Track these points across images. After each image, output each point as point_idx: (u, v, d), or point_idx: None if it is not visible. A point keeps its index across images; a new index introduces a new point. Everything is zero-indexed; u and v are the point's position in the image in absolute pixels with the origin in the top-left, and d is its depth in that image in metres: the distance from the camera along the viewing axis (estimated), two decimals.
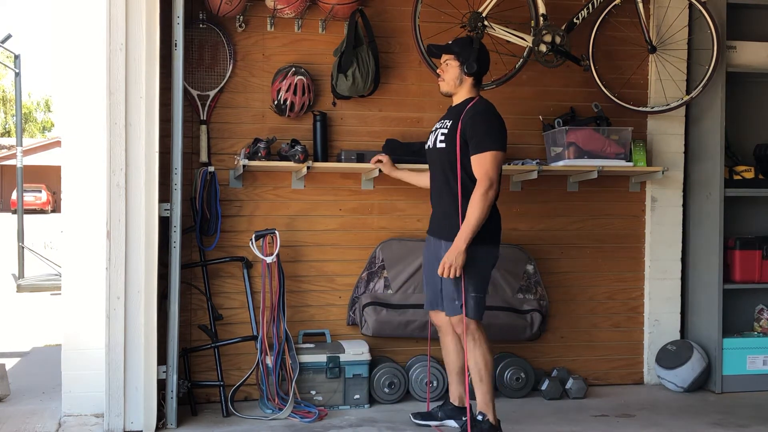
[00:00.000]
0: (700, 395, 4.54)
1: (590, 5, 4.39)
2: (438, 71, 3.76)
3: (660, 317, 4.77)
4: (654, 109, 4.63)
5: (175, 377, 3.74)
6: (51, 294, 10.05)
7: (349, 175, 4.41)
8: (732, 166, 4.71)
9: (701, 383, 4.59)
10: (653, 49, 4.55)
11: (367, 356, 4.13)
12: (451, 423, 3.77)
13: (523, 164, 4.40)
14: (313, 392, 4.09)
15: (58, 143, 13.75)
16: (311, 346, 4.20)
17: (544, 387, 4.38)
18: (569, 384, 4.40)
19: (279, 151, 4.16)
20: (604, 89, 4.50)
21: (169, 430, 3.73)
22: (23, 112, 29.99)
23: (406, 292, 4.30)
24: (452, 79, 3.67)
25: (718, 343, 4.57)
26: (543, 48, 4.29)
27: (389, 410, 4.10)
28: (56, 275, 10.77)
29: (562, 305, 4.67)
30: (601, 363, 4.73)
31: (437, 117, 4.46)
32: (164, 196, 3.75)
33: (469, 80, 3.66)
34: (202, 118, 4.18)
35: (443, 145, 3.62)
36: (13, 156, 22.83)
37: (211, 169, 4.12)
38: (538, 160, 4.43)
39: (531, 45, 4.30)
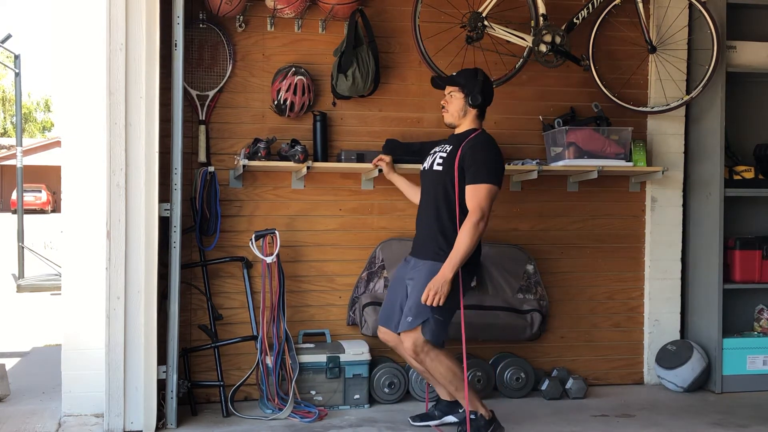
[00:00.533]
0: (700, 395, 4.54)
1: (590, 5, 4.39)
2: (442, 102, 3.79)
3: (660, 317, 4.77)
4: (654, 109, 4.63)
5: (175, 377, 3.74)
6: (51, 294, 10.06)
7: (349, 175, 4.41)
8: (732, 166, 4.71)
9: (701, 383, 4.59)
10: (653, 49, 4.55)
11: (367, 356, 4.13)
12: (450, 418, 3.78)
13: (523, 164, 4.40)
14: (313, 392, 4.09)
15: (58, 143, 13.74)
16: (311, 346, 4.21)
17: (544, 387, 4.38)
18: (569, 384, 4.40)
19: (279, 151, 4.16)
20: (604, 89, 4.51)
21: (169, 430, 3.73)
22: (23, 112, 29.99)
23: None
24: (456, 111, 3.70)
25: (718, 343, 4.57)
26: (543, 48, 4.29)
27: (389, 410, 4.10)
28: (56, 275, 10.77)
29: (562, 305, 4.67)
30: (601, 363, 4.73)
31: (437, 117, 4.48)
32: (164, 196, 3.75)
33: (473, 112, 3.69)
34: (201, 119, 4.18)
35: (440, 168, 3.63)
36: (13, 156, 22.83)
37: (211, 169, 4.12)
38: (538, 160, 4.43)
39: (531, 45, 4.30)
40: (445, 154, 3.64)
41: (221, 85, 4.23)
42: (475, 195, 3.49)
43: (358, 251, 4.41)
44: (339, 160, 4.23)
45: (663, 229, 4.77)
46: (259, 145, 4.08)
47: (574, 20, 4.38)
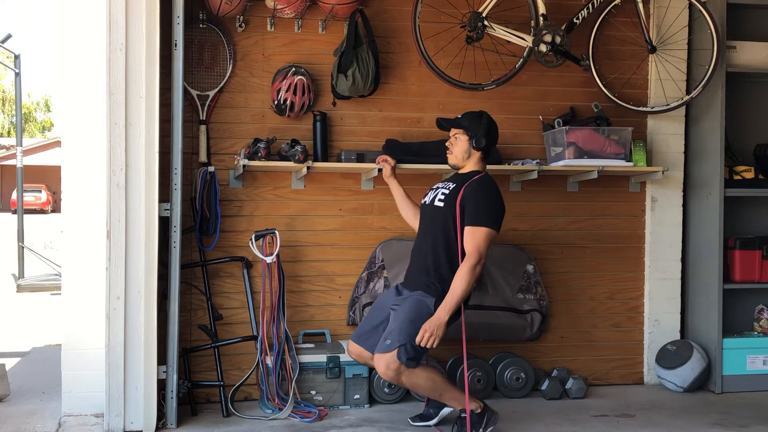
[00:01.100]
0: (700, 395, 4.54)
1: (590, 5, 4.39)
2: (447, 144, 3.80)
3: (660, 317, 4.77)
4: (654, 109, 4.63)
5: (175, 377, 3.74)
6: (51, 294, 10.06)
7: (349, 175, 4.41)
8: (732, 166, 4.71)
9: (701, 383, 4.59)
10: (653, 49, 4.55)
11: None
12: (447, 410, 3.78)
13: (523, 164, 4.40)
14: (313, 392, 4.09)
15: (58, 143, 13.76)
16: (311, 346, 4.21)
17: (544, 387, 4.38)
18: (569, 384, 4.40)
19: (279, 151, 4.16)
20: (604, 89, 4.51)
21: (169, 430, 3.73)
22: (23, 112, 29.99)
23: None
24: (461, 153, 3.72)
25: (718, 343, 4.57)
26: (543, 48, 4.29)
27: (389, 410, 4.10)
28: (56, 275, 10.78)
29: (562, 305, 4.67)
30: (601, 363, 4.73)
31: (437, 117, 4.48)
32: (164, 196, 3.75)
33: (477, 154, 3.71)
34: (201, 118, 4.18)
35: (441, 204, 3.65)
36: (13, 156, 22.84)
37: (211, 169, 4.12)
38: (538, 160, 4.43)
39: (531, 45, 4.30)
40: (447, 191, 3.67)
41: (221, 85, 4.23)
42: (474, 238, 3.52)
43: (358, 251, 4.41)
44: (339, 160, 4.23)
45: (663, 229, 4.77)
46: (259, 145, 4.08)
47: (574, 20, 4.38)
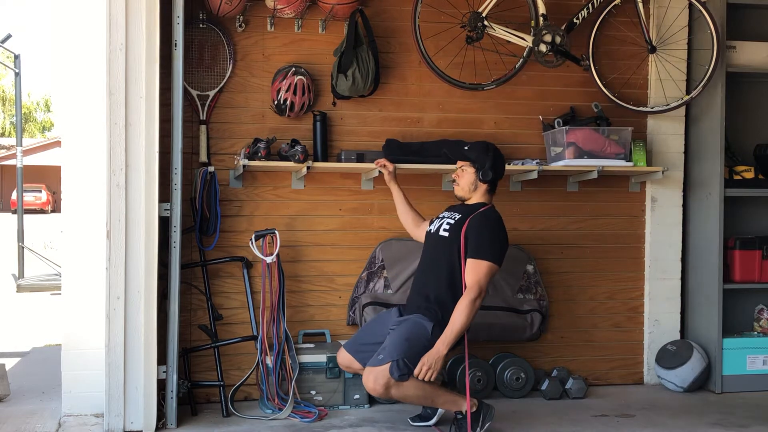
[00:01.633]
0: (700, 395, 4.55)
1: (590, 5, 4.39)
2: (453, 176, 3.82)
3: (660, 317, 4.77)
4: (654, 109, 4.63)
5: (175, 377, 3.74)
6: (51, 294, 10.07)
7: (349, 175, 4.41)
8: (732, 166, 4.71)
9: (701, 383, 4.59)
10: (653, 49, 4.55)
11: None
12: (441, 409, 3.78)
13: (523, 164, 4.40)
14: (313, 392, 4.09)
15: (58, 143, 13.75)
16: (311, 346, 4.21)
17: (544, 387, 4.38)
18: (569, 384, 4.40)
19: (279, 151, 4.16)
20: (604, 89, 4.51)
21: (169, 430, 3.73)
22: (23, 112, 30.00)
23: (406, 293, 4.28)
24: (467, 185, 3.73)
25: (718, 343, 4.57)
26: (543, 48, 4.29)
27: (389, 410, 4.10)
28: (56, 275, 10.78)
29: (562, 305, 4.67)
30: (601, 363, 4.73)
31: (437, 117, 4.49)
32: (164, 196, 3.75)
33: (483, 186, 3.73)
34: (201, 118, 4.18)
35: (446, 234, 3.66)
36: (13, 156, 22.83)
37: (211, 169, 4.12)
38: (538, 160, 4.44)
39: (531, 45, 4.30)
40: (453, 221, 3.68)
41: (221, 85, 4.23)
42: (476, 271, 3.53)
43: (358, 251, 4.41)
44: (339, 160, 4.23)
45: (663, 229, 4.77)
46: (259, 145, 4.08)
47: (574, 20, 4.38)
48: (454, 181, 3.81)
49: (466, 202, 3.77)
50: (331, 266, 4.40)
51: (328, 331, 4.35)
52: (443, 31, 4.30)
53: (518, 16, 4.39)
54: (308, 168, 4.09)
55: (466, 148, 3.81)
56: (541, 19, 4.31)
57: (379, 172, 4.11)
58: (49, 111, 44.66)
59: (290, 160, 4.07)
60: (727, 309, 4.59)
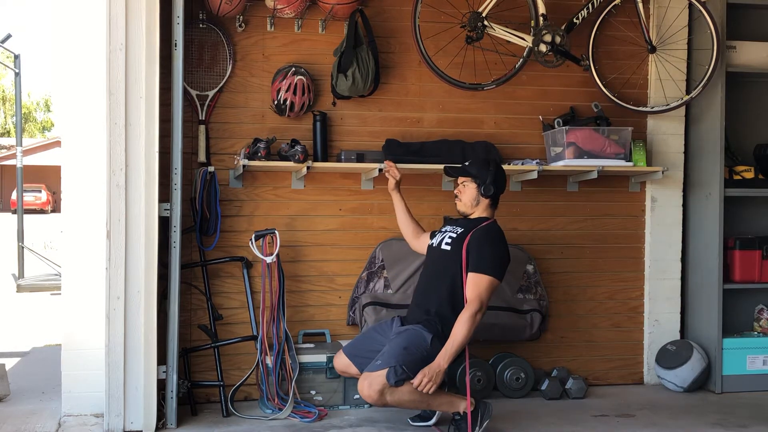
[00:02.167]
0: (700, 395, 4.55)
1: (590, 5, 4.39)
2: (455, 191, 3.82)
3: (660, 317, 4.77)
4: (654, 109, 4.63)
5: (175, 377, 3.74)
6: (51, 294, 10.07)
7: (349, 175, 4.41)
8: (732, 166, 4.71)
9: (701, 383, 4.59)
10: (653, 49, 4.55)
11: None
12: None
13: (523, 164, 4.40)
14: (313, 392, 4.09)
15: (58, 143, 13.75)
16: (311, 346, 4.21)
17: (544, 387, 4.38)
18: (569, 384, 4.40)
19: (279, 151, 4.16)
20: (604, 89, 4.51)
21: (169, 430, 3.73)
22: (23, 112, 30.00)
23: (406, 292, 4.29)
24: (469, 200, 3.74)
25: (717, 343, 4.57)
26: (543, 48, 4.29)
27: (389, 410, 4.08)
28: (56, 275, 10.78)
29: (562, 305, 4.67)
30: (601, 363, 4.74)
31: (437, 117, 4.49)
32: (164, 196, 3.75)
33: (485, 201, 3.73)
34: (201, 118, 4.18)
35: (448, 248, 3.66)
36: (13, 156, 22.84)
37: (211, 169, 4.12)
38: (538, 160, 4.44)
39: (531, 45, 4.30)
40: (455, 235, 3.68)
41: (221, 85, 4.23)
42: (477, 285, 3.52)
43: (358, 251, 4.41)
44: (339, 160, 4.23)
45: (663, 229, 4.77)
46: (259, 145, 4.08)
47: (574, 20, 4.38)
48: (456, 196, 3.81)
49: (468, 217, 3.78)
50: (331, 266, 4.40)
51: (328, 331, 4.35)
52: (443, 31, 4.30)
53: (518, 16, 4.39)
54: (308, 168, 4.09)
55: (466, 164, 3.81)
56: (541, 19, 4.31)
57: (380, 170, 4.10)
58: (49, 111, 44.68)
59: (290, 160, 4.07)
60: (727, 309, 4.59)
